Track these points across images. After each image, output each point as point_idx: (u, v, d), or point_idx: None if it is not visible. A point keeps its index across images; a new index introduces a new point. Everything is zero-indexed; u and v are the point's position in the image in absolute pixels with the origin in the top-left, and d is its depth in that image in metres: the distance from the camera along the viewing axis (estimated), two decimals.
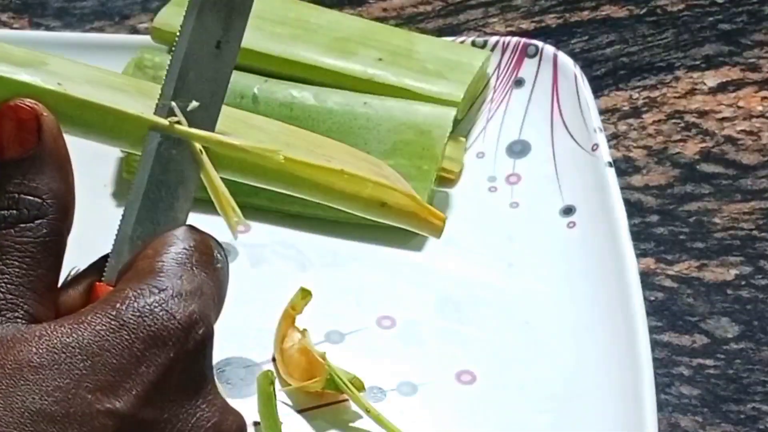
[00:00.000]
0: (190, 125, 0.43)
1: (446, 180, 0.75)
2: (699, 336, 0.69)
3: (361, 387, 0.62)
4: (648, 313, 0.64)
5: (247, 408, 0.61)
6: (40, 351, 0.38)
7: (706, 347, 0.68)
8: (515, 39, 0.80)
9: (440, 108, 0.74)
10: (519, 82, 0.78)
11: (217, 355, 0.64)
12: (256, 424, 0.61)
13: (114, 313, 0.39)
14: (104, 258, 0.44)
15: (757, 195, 0.76)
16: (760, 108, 0.82)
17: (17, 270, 0.40)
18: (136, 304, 0.40)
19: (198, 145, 0.44)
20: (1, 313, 0.40)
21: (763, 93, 0.83)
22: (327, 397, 0.63)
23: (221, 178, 0.45)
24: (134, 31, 0.89)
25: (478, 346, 0.66)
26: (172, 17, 0.78)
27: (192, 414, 0.41)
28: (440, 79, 0.76)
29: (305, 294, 0.64)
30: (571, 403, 0.63)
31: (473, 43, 0.80)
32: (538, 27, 0.89)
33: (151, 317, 0.40)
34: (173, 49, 0.43)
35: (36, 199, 0.41)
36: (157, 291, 0.40)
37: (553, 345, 0.66)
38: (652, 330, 0.66)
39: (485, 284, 0.69)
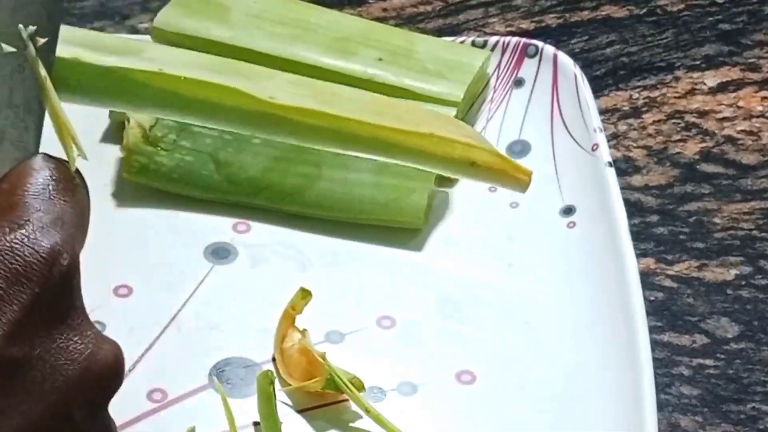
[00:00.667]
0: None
1: (446, 180, 0.75)
2: (699, 336, 0.69)
3: (361, 387, 0.62)
4: (648, 313, 0.64)
5: (247, 408, 0.62)
6: None
7: (706, 347, 0.68)
8: (515, 39, 0.80)
9: (440, 108, 0.74)
10: (519, 82, 0.78)
11: (217, 355, 0.65)
12: (255, 424, 0.61)
13: None
14: None
15: (757, 195, 0.76)
16: (760, 108, 0.82)
17: None
18: None
19: (43, 71, 0.43)
20: None
21: (763, 93, 0.83)
22: (327, 397, 0.63)
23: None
24: (134, 31, 0.89)
25: (478, 346, 0.66)
26: (172, 17, 0.78)
27: (64, 347, 0.40)
28: (440, 79, 0.76)
29: (305, 294, 0.64)
30: (571, 403, 0.63)
31: (473, 43, 0.80)
32: (538, 27, 0.89)
33: (11, 255, 0.39)
34: None
35: None
36: (16, 227, 0.40)
37: (553, 345, 0.66)
38: (652, 330, 0.66)
39: (485, 284, 0.69)
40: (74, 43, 0.46)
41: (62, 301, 0.40)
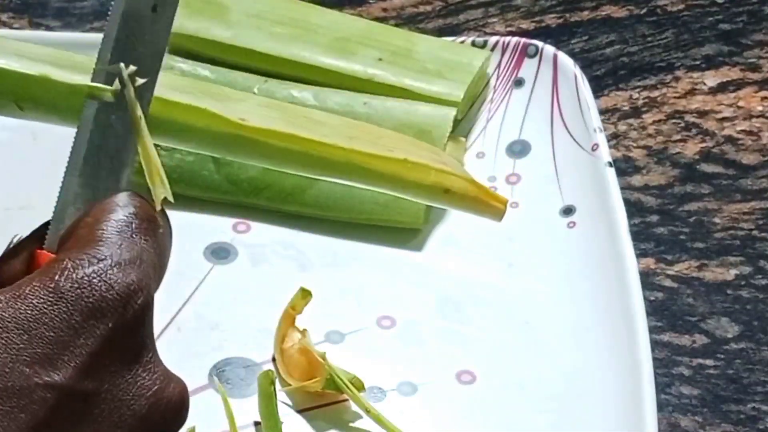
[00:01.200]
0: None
1: None
2: (699, 336, 0.69)
3: (361, 387, 0.62)
4: (648, 313, 0.64)
5: (248, 408, 0.62)
6: None
7: (706, 347, 0.68)
8: (515, 39, 0.80)
9: (440, 108, 0.74)
10: (519, 82, 0.78)
11: (217, 355, 0.65)
12: (257, 423, 0.61)
13: (52, 285, 0.39)
14: (46, 225, 0.43)
15: (757, 195, 0.76)
16: (760, 108, 0.82)
17: None
18: (74, 275, 0.39)
19: (138, 111, 0.43)
20: None
21: (763, 93, 0.83)
22: (327, 397, 0.63)
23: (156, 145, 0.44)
24: None
25: (478, 346, 0.66)
26: None
27: (132, 383, 0.40)
28: (440, 79, 0.76)
29: (305, 294, 0.64)
30: (571, 403, 0.63)
31: (473, 43, 0.80)
32: (538, 27, 0.89)
33: (89, 288, 0.39)
34: (109, 14, 0.43)
35: None
36: (95, 261, 0.40)
37: (553, 345, 0.66)
38: (652, 330, 0.66)
39: (485, 284, 0.69)
40: (43, 61, 0.46)
41: (134, 339, 0.41)
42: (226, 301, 0.69)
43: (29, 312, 0.38)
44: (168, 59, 0.75)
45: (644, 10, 0.90)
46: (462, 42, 0.80)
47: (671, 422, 0.64)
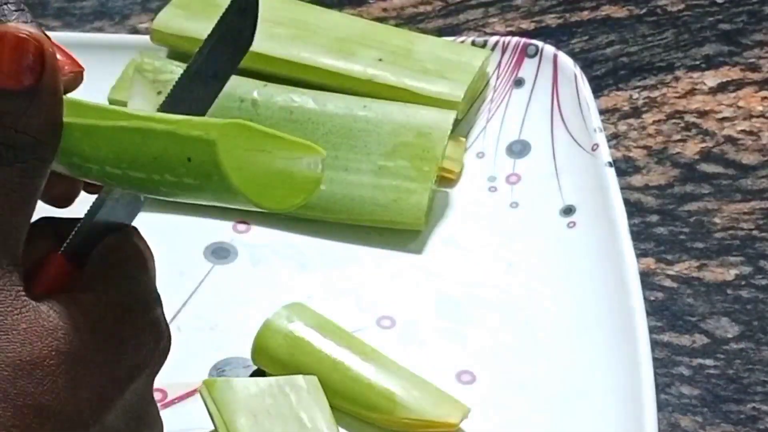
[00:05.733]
0: None
1: (446, 180, 0.75)
2: (699, 336, 0.69)
3: None
4: (648, 313, 0.64)
5: None
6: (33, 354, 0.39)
7: (706, 347, 0.68)
8: (515, 39, 0.80)
9: (440, 111, 0.74)
10: (519, 82, 0.78)
11: (217, 355, 0.65)
12: None
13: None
14: (66, 222, 0.44)
15: (757, 195, 0.76)
16: (760, 108, 0.82)
17: (8, 210, 0.40)
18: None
19: None
20: None
21: (763, 93, 0.83)
22: None
23: None
24: (134, 31, 0.89)
25: (478, 346, 0.66)
26: (171, 19, 0.78)
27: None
28: (440, 79, 0.76)
29: None
30: (571, 403, 0.63)
31: (473, 43, 0.80)
32: (538, 27, 0.89)
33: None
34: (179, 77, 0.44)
35: (30, 138, 0.40)
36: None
37: (553, 345, 0.66)
38: (652, 330, 0.66)
39: (485, 284, 0.69)
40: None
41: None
42: (226, 301, 0.69)
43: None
44: (168, 65, 0.75)
45: (644, 10, 0.90)
46: (462, 42, 0.80)
47: (671, 422, 0.64)
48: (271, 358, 0.64)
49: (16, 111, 0.39)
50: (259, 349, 0.64)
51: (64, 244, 0.43)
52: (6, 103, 0.39)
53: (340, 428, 0.60)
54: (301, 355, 0.63)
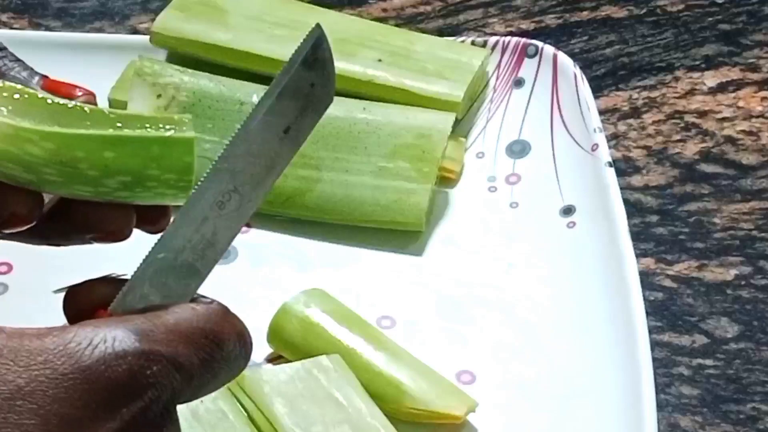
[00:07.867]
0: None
1: (446, 180, 0.75)
2: (699, 336, 0.69)
3: None
4: (648, 313, 0.64)
5: None
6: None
7: (706, 347, 0.68)
8: (515, 39, 0.80)
9: (439, 113, 0.74)
10: (519, 82, 0.78)
11: None
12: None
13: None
14: (116, 281, 0.43)
15: (757, 195, 0.76)
16: (760, 108, 0.82)
17: None
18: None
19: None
20: None
21: (763, 93, 0.83)
22: None
23: None
24: (134, 31, 0.89)
25: (478, 346, 0.66)
26: (171, 22, 0.78)
27: None
28: (440, 79, 0.76)
29: None
30: (571, 403, 0.63)
31: (473, 43, 0.80)
32: (538, 27, 0.89)
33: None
34: (242, 125, 0.43)
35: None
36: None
37: (553, 345, 0.66)
38: (652, 330, 0.66)
39: (485, 284, 0.69)
40: None
41: None
42: (226, 301, 0.68)
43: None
44: (167, 68, 0.75)
45: (644, 11, 0.90)
46: (462, 42, 0.80)
47: (671, 422, 0.64)
48: (285, 341, 0.65)
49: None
50: (274, 332, 0.65)
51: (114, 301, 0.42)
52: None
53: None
54: (314, 339, 0.64)
